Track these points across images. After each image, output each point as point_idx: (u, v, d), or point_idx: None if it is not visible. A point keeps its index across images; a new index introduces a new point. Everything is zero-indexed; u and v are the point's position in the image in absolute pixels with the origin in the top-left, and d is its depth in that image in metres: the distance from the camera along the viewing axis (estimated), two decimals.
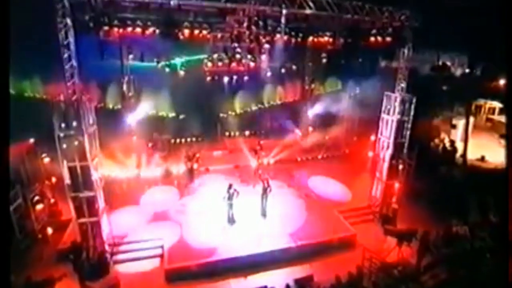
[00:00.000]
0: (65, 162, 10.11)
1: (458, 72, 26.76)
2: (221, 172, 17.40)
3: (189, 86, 18.43)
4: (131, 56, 17.47)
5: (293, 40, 18.57)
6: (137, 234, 12.63)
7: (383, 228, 13.73)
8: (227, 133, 21.52)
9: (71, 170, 10.20)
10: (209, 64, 17.96)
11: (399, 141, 13.84)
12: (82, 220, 10.86)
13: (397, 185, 14.33)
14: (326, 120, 21.06)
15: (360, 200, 15.21)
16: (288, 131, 21.26)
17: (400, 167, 14.22)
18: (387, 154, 13.99)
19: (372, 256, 11.12)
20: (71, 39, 9.59)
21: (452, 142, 19.98)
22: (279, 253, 11.84)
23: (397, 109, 13.46)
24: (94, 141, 10.71)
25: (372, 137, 18.18)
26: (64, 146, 9.91)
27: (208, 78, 19.54)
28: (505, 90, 13.46)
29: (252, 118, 22.08)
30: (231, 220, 13.21)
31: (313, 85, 21.34)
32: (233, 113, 21.76)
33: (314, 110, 21.56)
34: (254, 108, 22.21)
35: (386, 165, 14.13)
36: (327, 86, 21.72)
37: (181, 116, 20.13)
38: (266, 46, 18.04)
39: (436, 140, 20.95)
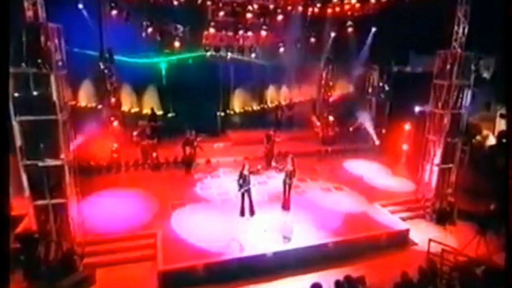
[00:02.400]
0: (17, 115, 7.75)
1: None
2: (224, 165, 15.61)
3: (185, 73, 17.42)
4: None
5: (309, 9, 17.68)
6: (120, 230, 10.26)
7: (440, 225, 11.65)
8: (229, 124, 19.69)
9: (27, 126, 7.83)
10: (212, 30, 16.32)
11: (456, 111, 11.76)
12: (41, 202, 8.37)
13: (453, 171, 12.19)
14: (349, 108, 19.14)
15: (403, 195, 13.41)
16: (304, 120, 19.26)
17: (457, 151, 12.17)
18: (445, 128, 11.86)
19: (444, 251, 8.83)
20: None
21: (504, 133, 17.98)
22: (311, 251, 9.73)
23: (455, 72, 11.44)
24: (63, 88, 8.38)
25: (407, 126, 16.64)
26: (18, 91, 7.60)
27: (208, 54, 18.09)
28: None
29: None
30: (249, 212, 11.13)
31: (330, 66, 19.37)
32: (239, 101, 19.78)
33: (333, 95, 19.65)
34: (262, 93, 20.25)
35: (441, 142, 11.99)
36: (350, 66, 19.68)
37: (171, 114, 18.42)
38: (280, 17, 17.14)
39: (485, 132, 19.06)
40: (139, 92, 17.84)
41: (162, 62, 18.21)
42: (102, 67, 15.66)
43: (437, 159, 12.27)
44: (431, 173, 12.52)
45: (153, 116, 17.44)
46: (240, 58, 18.65)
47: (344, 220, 11.14)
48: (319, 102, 20.09)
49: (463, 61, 11.43)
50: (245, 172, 10.79)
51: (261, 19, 16.40)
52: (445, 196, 12.34)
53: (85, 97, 16.46)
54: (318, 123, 19.14)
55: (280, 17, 16.16)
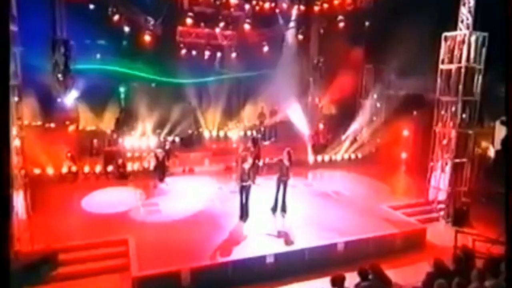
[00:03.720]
0: None
1: None
2: (203, 174, 15.28)
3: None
4: None
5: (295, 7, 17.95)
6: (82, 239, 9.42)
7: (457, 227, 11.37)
8: (208, 132, 19.45)
9: None
10: (189, 21, 16.15)
11: (469, 98, 11.82)
12: None
13: (466, 166, 12.12)
14: (342, 114, 19.16)
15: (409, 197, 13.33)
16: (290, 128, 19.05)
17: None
18: (456, 118, 11.85)
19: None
20: None
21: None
22: (318, 252, 9.12)
23: (464, 54, 11.61)
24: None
25: (405, 132, 16.83)
26: None
27: (183, 51, 17.93)
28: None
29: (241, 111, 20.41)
30: (244, 215, 10.62)
31: (319, 66, 19.53)
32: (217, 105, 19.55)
33: (324, 101, 19.65)
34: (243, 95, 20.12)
35: (452, 134, 11.95)
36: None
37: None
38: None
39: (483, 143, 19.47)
40: (97, 111, 17.23)
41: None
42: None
43: (448, 154, 12.16)
44: (442, 170, 12.39)
45: (120, 120, 16.83)
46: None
47: (352, 221, 10.77)
48: (308, 108, 19.94)
49: (473, 43, 11.60)
50: (246, 165, 10.28)
51: (245, 8, 16.30)
52: (459, 195, 12.15)
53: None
54: (307, 131, 18.91)
55: (266, 5, 16.08)
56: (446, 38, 12.06)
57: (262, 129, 16.71)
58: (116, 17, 15.06)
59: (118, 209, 11.28)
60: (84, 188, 13.14)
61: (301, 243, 9.31)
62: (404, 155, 17.03)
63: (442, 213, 12.27)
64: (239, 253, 8.82)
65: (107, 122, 17.47)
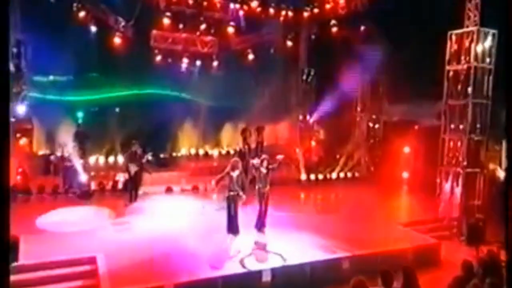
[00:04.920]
0: None
1: None
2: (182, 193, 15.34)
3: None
4: None
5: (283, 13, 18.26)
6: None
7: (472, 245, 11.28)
8: (186, 150, 19.35)
9: None
10: (166, 21, 16.17)
11: (479, 101, 12.03)
12: None
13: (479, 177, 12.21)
14: (336, 130, 19.29)
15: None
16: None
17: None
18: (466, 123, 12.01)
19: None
20: None
21: None
22: (321, 268, 8.91)
23: (472, 52, 11.92)
24: None
25: (406, 149, 17.07)
26: None
27: (158, 58, 17.88)
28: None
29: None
30: (233, 229, 10.29)
31: (310, 77, 19.75)
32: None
33: (316, 116, 19.88)
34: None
35: (463, 141, 12.07)
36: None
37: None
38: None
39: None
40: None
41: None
42: None
43: (459, 164, 12.24)
44: (453, 183, 12.43)
45: (81, 132, 16.39)
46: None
47: (356, 237, 10.54)
48: (298, 124, 19.99)
49: (481, 40, 11.92)
50: (235, 173, 10.14)
51: (229, 8, 16.47)
52: (473, 210, 12.14)
53: None
54: (297, 149, 18.93)
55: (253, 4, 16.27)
56: (452, 36, 12.38)
57: (246, 147, 16.54)
58: (81, 14, 14.88)
59: (83, 228, 10.75)
60: (39, 208, 12.50)
61: (300, 258, 9.09)
62: (405, 175, 17.12)
63: (454, 230, 12.17)
64: (229, 269, 8.48)
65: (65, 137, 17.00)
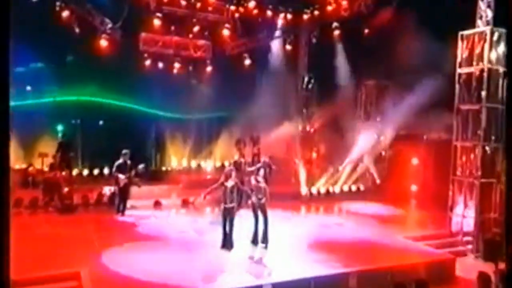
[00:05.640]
0: None
1: None
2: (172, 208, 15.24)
3: None
4: None
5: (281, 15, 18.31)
6: None
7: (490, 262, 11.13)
8: (176, 162, 19.41)
9: None
10: (157, 22, 16.12)
11: (493, 106, 12.00)
12: None
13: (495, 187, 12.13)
14: (338, 140, 19.24)
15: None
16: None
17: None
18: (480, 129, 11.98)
19: None
20: None
21: None
22: (326, 283, 8.73)
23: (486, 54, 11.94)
24: None
25: (414, 160, 17.09)
26: None
27: (147, 62, 17.88)
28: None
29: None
30: (228, 244, 10.23)
31: (310, 83, 19.78)
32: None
33: (317, 126, 19.98)
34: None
35: (477, 149, 12.01)
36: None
37: None
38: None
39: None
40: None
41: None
42: None
43: (473, 174, 12.16)
44: (467, 194, 12.33)
45: (64, 143, 16.32)
46: None
47: (364, 251, 10.55)
48: (297, 134, 19.95)
49: (495, 41, 11.94)
50: (230, 183, 10.09)
51: (225, 9, 16.50)
52: (489, 224, 12.03)
53: None
54: (297, 161, 18.89)
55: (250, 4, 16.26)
56: (463, 37, 12.40)
57: (242, 159, 16.39)
58: (65, 14, 14.78)
59: (64, 242, 10.55)
60: (14, 223, 12.29)
61: (302, 273, 8.95)
62: (414, 188, 17.06)
63: (469, 246, 12.04)
64: (223, 284, 8.31)
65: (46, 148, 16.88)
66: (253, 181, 10.69)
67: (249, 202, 10.80)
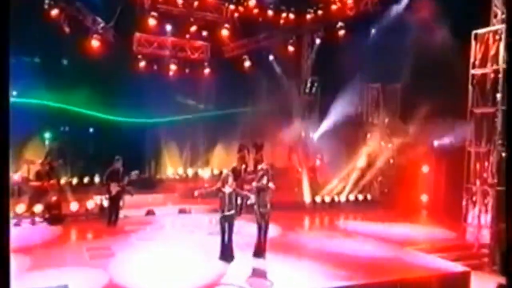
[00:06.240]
0: None
1: None
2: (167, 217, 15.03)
3: None
4: None
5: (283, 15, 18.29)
6: None
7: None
8: (172, 169, 19.40)
9: None
10: (152, 22, 16.07)
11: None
12: None
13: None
14: (343, 146, 19.17)
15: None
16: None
17: None
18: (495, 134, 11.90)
19: None
20: None
21: None
22: None
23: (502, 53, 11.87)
24: None
25: (425, 168, 16.99)
26: None
27: (142, 64, 17.82)
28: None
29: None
30: (227, 255, 10.08)
31: (314, 87, 19.73)
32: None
33: (320, 131, 19.84)
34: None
35: (492, 154, 11.92)
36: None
37: None
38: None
39: None
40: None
41: None
42: None
43: (488, 180, 12.06)
44: (482, 203, 12.22)
45: (52, 150, 16.25)
46: None
47: (372, 265, 10.34)
48: (300, 140, 19.86)
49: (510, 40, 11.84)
50: (227, 189, 9.91)
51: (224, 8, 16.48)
52: (506, 234, 11.87)
53: None
54: (300, 168, 18.81)
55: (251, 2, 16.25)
56: (477, 36, 12.34)
57: (244, 166, 16.36)
58: (54, 13, 14.71)
59: (51, 254, 10.47)
60: None
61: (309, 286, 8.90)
62: (425, 197, 16.94)
63: (485, 258, 11.91)
64: None
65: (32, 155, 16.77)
66: (255, 189, 10.51)
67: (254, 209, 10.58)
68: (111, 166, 13.12)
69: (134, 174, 13.41)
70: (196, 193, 10.80)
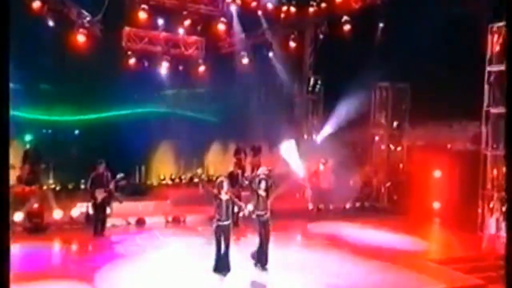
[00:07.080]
0: None
1: None
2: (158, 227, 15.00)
3: None
4: None
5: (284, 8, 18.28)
6: None
7: None
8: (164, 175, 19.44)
9: None
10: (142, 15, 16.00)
11: None
12: None
13: None
14: (349, 150, 19.14)
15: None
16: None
17: None
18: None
19: None
20: None
21: None
22: None
23: None
24: None
25: (437, 173, 16.97)
26: None
27: (132, 61, 17.78)
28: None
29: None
30: (223, 267, 10.04)
31: (317, 86, 19.68)
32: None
33: (323, 134, 19.83)
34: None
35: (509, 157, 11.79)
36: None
37: None
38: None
39: None
40: None
41: None
42: None
43: (505, 187, 11.97)
44: (500, 211, 12.17)
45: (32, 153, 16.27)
46: None
47: (381, 275, 10.46)
48: (302, 143, 19.84)
49: None
50: (224, 196, 9.87)
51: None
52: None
53: None
54: (302, 174, 18.73)
55: None
56: (493, 30, 12.30)
57: (240, 170, 16.38)
58: (36, 5, 14.59)
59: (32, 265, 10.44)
60: None
61: None
62: (437, 205, 16.87)
63: (502, 271, 11.80)
64: None
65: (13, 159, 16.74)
66: (262, 192, 10.45)
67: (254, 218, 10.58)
68: (94, 170, 13.05)
69: (120, 177, 13.34)
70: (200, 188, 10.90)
